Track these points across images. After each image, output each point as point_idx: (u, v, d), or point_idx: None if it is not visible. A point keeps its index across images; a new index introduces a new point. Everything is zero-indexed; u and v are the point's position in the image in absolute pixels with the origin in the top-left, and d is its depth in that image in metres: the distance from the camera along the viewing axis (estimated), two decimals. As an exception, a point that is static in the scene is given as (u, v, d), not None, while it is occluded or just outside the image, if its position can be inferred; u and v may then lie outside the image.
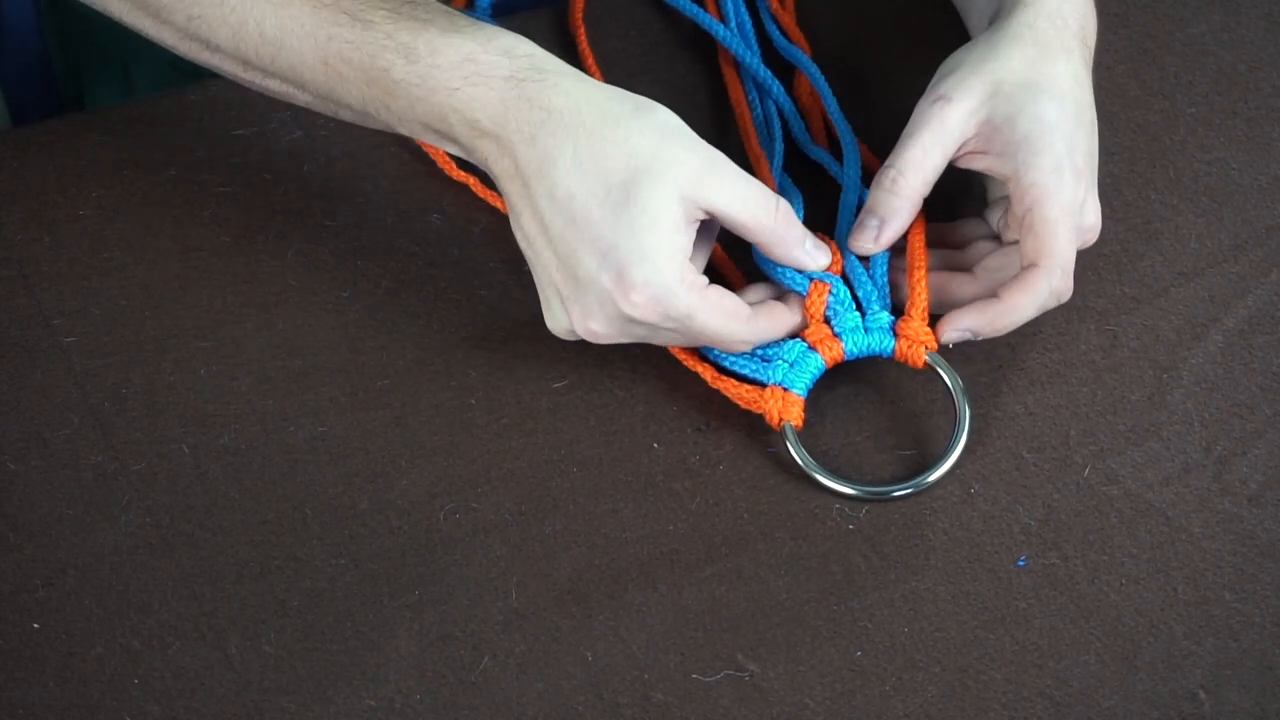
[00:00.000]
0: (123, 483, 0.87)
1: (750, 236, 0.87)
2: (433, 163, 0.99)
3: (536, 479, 0.88)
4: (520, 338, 0.93)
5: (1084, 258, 0.96)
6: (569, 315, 0.86)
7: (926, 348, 0.89)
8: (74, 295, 0.94)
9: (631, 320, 0.85)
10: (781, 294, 0.90)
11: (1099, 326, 0.94)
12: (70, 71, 1.17)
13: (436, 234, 0.97)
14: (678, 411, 0.90)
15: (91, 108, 1.16)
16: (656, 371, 0.92)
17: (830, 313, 0.89)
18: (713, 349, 0.90)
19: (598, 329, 0.85)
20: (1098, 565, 0.86)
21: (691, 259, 0.86)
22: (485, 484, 0.88)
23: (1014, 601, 0.84)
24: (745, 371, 0.89)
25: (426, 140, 0.89)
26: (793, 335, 0.89)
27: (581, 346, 0.92)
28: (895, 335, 0.89)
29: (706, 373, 0.90)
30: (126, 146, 1.00)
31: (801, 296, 0.89)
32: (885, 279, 0.91)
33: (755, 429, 0.89)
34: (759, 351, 0.89)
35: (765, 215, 0.87)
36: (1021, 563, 0.86)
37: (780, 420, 0.88)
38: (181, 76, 1.10)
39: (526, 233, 0.86)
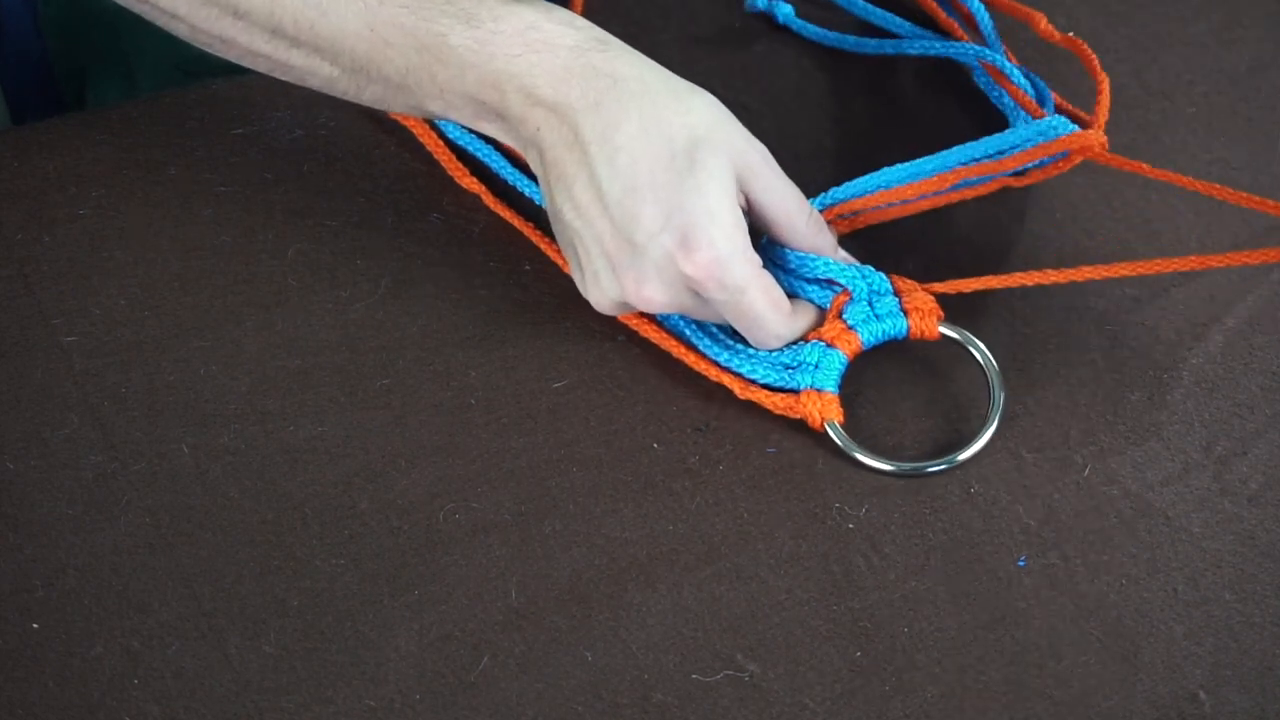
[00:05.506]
0: (123, 483, 0.87)
1: (780, 234, 0.89)
2: (433, 163, 0.99)
3: (536, 479, 0.88)
4: (520, 338, 0.93)
5: (1084, 258, 0.96)
6: (621, 283, 0.86)
7: (937, 317, 0.90)
8: (74, 295, 0.94)
9: (689, 283, 0.85)
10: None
11: (1099, 326, 0.94)
12: (73, 72, 1.17)
13: (436, 234, 0.97)
14: (678, 411, 0.90)
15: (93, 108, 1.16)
16: (656, 371, 0.92)
17: (841, 308, 0.90)
18: (733, 356, 0.90)
19: (653, 294, 0.86)
20: (1098, 565, 0.86)
21: None
22: (485, 484, 0.88)
23: (1014, 601, 0.84)
24: (769, 382, 0.89)
25: (462, 118, 0.88)
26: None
27: (581, 346, 0.92)
28: (905, 314, 0.90)
29: (735, 384, 0.90)
30: (126, 146, 1.00)
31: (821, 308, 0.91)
32: (883, 277, 0.91)
33: (755, 429, 0.89)
34: (780, 360, 0.89)
35: (799, 218, 0.88)
36: (1021, 563, 0.86)
37: (823, 420, 0.88)
38: (185, 77, 1.10)
39: (579, 202, 0.86)
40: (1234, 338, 0.94)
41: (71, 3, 1.13)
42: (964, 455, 0.88)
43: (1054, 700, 0.81)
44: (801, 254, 0.90)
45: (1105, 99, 0.98)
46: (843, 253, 0.91)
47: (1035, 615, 0.84)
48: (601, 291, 0.87)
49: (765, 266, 0.88)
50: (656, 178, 0.84)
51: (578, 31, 0.86)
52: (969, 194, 0.98)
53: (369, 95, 0.89)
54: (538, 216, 0.97)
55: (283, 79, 0.91)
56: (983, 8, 1.05)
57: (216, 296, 0.94)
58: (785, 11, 1.07)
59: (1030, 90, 1.01)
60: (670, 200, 0.84)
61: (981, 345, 0.90)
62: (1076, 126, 0.96)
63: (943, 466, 0.88)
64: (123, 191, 0.98)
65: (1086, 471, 0.89)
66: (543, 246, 0.96)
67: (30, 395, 0.90)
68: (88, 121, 1.01)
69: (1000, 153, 0.96)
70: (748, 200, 0.87)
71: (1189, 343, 0.94)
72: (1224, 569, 0.86)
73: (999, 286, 0.91)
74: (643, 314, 0.92)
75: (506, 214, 0.97)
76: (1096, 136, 0.94)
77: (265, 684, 0.81)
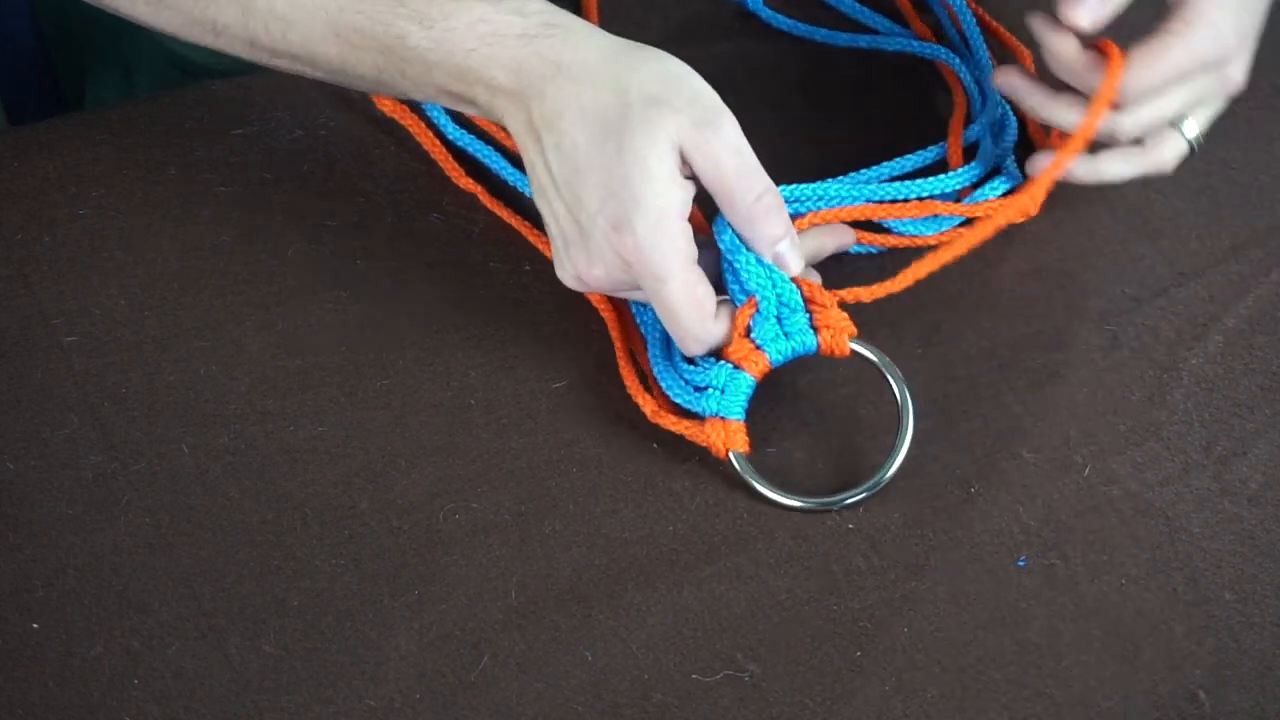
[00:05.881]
0: (123, 483, 0.87)
1: (723, 208, 0.86)
2: (433, 163, 0.99)
3: (536, 479, 0.88)
4: (520, 338, 0.93)
5: (1084, 258, 0.96)
6: (574, 262, 0.86)
7: (848, 334, 0.88)
8: (74, 295, 0.94)
9: (625, 265, 0.84)
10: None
11: (1099, 326, 0.94)
12: (72, 73, 1.17)
13: (436, 234, 0.97)
14: (678, 411, 0.91)
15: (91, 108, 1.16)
16: (656, 371, 0.92)
17: (749, 324, 0.88)
18: (665, 368, 0.89)
19: (599, 274, 0.86)
20: (1098, 565, 0.86)
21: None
22: (485, 484, 0.88)
23: (1014, 601, 0.84)
24: (681, 402, 0.88)
25: (443, 104, 0.89)
26: (716, 354, 0.88)
27: (581, 346, 0.92)
28: (815, 330, 0.88)
29: (647, 406, 0.89)
30: (126, 146, 1.00)
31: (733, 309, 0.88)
32: (794, 289, 0.88)
33: (756, 429, 0.89)
34: (692, 380, 0.88)
35: (744, 195, 0.85)
36: (1021, 563, 0.86)
37: (726, 450, 0.87)
38: (183, 77, 1.10)
39: (540, 184, 0.86)
40: (1234, 338, 0.94)
41: (70, 3, 1.13)
42: (851, 499, 0.86)
43: (1054, 700, 0.82)
44: (734, 239, 0.87)
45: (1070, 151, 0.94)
46: (785, 244, 0.87)
47: (1035, 615, 0.84)
48: (562, 269, 0.88)
49: (721, 246, 0.87)
50: (594, 161, 0.84)
51: (525, 18, 0.86)
52: (926, 240, 0.96)
53: (357, 89, 0.91)
54: (537, 215, 0.96)
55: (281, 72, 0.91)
56: (965, 6, 1.05)
57: (216, 296, 0.94)
58: None
59: (976, 97, 1.01)
60: (606, 183, 0.84)
61: (895, 368, 0.88)
62: (1002, 190, 0.96)
63: (848, 500, 0.86)
64: (123, 191, 0.98)
65: (1086, 471, 0.89)
66: (540, 247, 0.96)
67: (30, 395, 0.90)
68: (88, 121, 1.02)
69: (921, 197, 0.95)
70: (693, 171, 0.85)
71: (1189, 343, 0.94)
72: (1224, 569, 0.86)
73: (899, 289, 0.89)
74: (614, 307, 0.92)
75: (504, 213, 0.97)
76: (1017, 210, 0.93)
77: (265, 684, 0.81)
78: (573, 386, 0.91)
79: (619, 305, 0.93)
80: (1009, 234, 0.98)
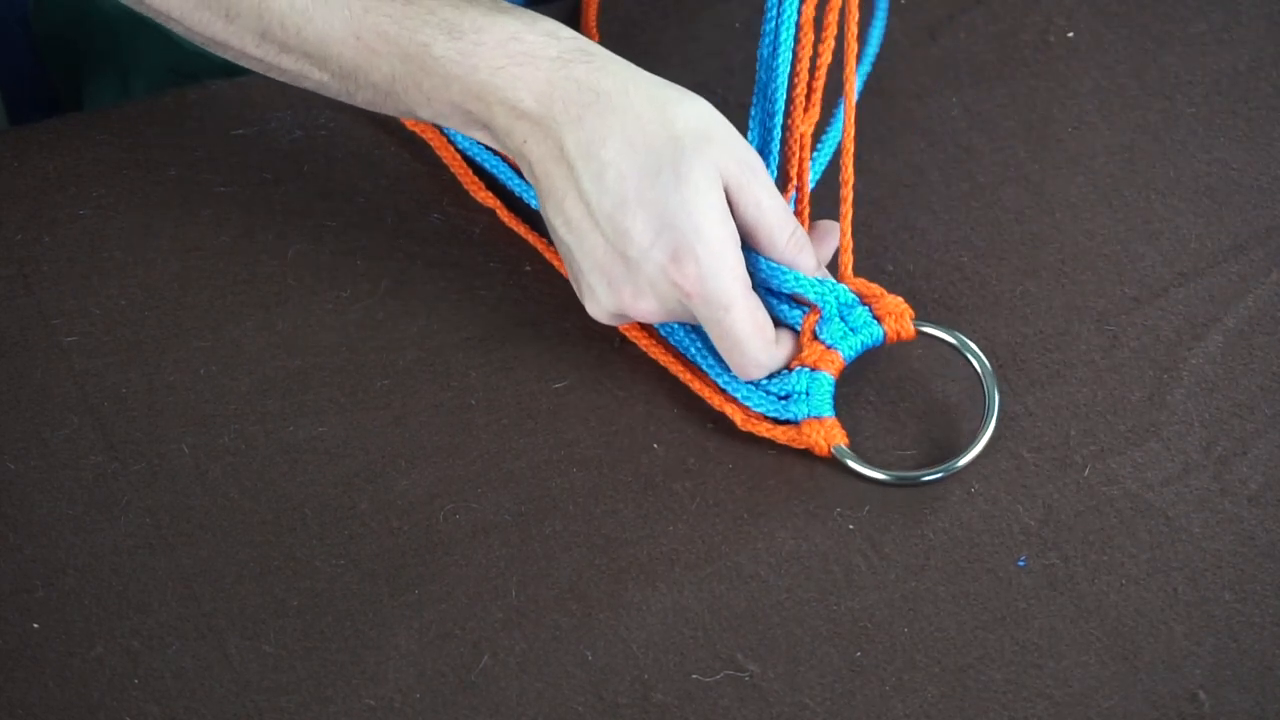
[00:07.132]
0: (123, 483, 0.87)
1: (758, 247, 0.87)
2: (435, 163, 0.99)
3: (536, 479, 0.88)
4: (520, 338, 0.93)
5: (1084, 257, 0.97)
6: (618, 296, 0.86)
7: (911, 316, 0.89)
8: (74, 295, 0.94)
9: (683, 296, 0.85)
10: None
11: (1099, 326, 0.94)
12: (68, 83, 1.16)
13: (436, 234, 0.97)
14: (678, 412, 0.90)
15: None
16: (657, 371, 0.92)
17: (814, 329, 0.89)
18: (734, 380, 0.89)
19: (649, 306, 0.86)
20: (1098, 565, 0.86)
21: None
22: (485, 484, 0.88)
23: (1014, 601, 0.84)
24: (767, 413, 0.89)
25: (451, 124, 0.88)
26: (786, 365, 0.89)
27: (581, 346, 0.92)
28: (878, 320, 0.89)
29: (737, 415, 0.89)
30: (126, 146, 1.00)
31: (795, 331, 0.89)
32: (847, 290, 0.90)
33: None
34: (773, 391, 0.89)
35: (781, 234, 0.87)
36: (1021, 563, 0.86)
37: (829, 446, 0.88)
38: (180, 79, 1.10)
39: (569, 217, 0.85)
40: (1234, 338, 0.94)
41: (66, 8, 1.13)
42: (964, 460, 0.88)
43: (1054, 700, 0.82)
44: (772, 264, 0.88)
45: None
46: (824, 273, 0.90)
47: (1035, 615, 0.84)
48: (598, 303, 0.87)
49: (762, 275, 0.88)
50: (644, 193, 0.83)
51: (560, 42, 0.85)
52: None
53: (361, 99, 0.89)
54: (542, 223, 0.97)
55: (280, 80, 0.91)
56: None
57: (216, 296, 0.94)
58: None
59: None
60: (661, 215, 0.83)
61: (974, 346, 0.90)
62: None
63: (940, 474, 0.88)
64: (123, 191, 0.98)
65: (1086, 471, 0.89)
66: (547, 255, 0.95)
67: (30, 395, 0.90)
68: (88, 121, 1.02)
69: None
70: (732, 209, 0.86)
71: (1189, 343, 0.94)
72: (1224, 569, 0.86)
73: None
74: (651, 334, 0.92)
75: (521, 229, 0.96)
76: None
77: (265, 684, 0.81)
78: (573, 386, 0.91)
79: (652, 330, 0.92)
80: (1009, 232, 0.98)
